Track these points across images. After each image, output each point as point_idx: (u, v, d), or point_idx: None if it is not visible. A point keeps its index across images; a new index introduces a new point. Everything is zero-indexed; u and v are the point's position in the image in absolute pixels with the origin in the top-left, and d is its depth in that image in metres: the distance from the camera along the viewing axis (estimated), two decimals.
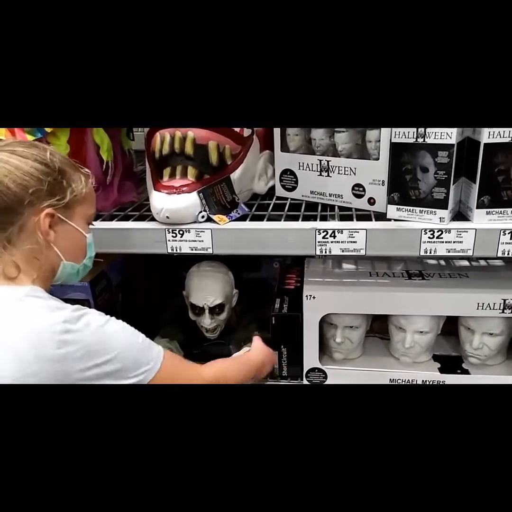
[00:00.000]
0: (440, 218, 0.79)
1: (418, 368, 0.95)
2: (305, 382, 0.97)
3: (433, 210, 0.79)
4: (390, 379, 0.94)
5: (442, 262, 0.99)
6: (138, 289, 1.15)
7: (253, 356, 0.79)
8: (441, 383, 0.92)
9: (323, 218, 0.87)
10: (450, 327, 0.95)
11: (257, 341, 0.83)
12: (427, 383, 0.92)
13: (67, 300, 0.61)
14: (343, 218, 0.88)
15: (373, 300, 0.89)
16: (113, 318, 0.62)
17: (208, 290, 0.99)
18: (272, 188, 1.01)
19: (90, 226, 0.70)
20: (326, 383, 0.96)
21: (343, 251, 0.82)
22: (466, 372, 0.93)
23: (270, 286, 1.26)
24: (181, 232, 0.86)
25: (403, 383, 0.93)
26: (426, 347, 0.94)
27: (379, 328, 1.03)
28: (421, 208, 0.80)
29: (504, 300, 0.85)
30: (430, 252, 0.79)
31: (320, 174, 0.93)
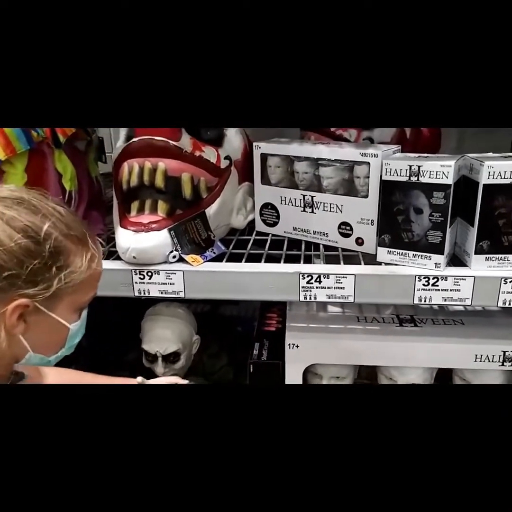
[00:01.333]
0: (436, 263, 0.71)
1: None
2: None
3: (428, 254, 0.72)
4: None
5: (435, 306, 0.92)
6: (100, 334, 1.05)
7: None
8: None
9: (307, 259, 0.80)
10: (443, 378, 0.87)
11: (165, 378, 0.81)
12: None
13: None
14: (329, 259, 0.80)
15: (362, 350, 0.81)
16: None
17: (160, 337, 0.89)
18: (252, 221, 0.93)
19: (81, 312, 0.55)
20: None
21: (329, 297, 0.74)
22: None
23: (249, 323, 1.18)
24: (149, 273, 0.77)
25: None
26: None
27: (367, 374, 0.95)
28: (415, 253, 0.73)
29: (504, 352, 0.78)
30: (425, 301, 0.72)
31: (304, 210, 0.85)
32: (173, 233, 0.76)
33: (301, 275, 0.73)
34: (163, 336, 0.89)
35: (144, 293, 0.78)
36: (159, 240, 0.75)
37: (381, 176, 0.73)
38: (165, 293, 0.77)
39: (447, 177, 0.67)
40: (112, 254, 0.81)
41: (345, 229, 0.81)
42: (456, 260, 0.76)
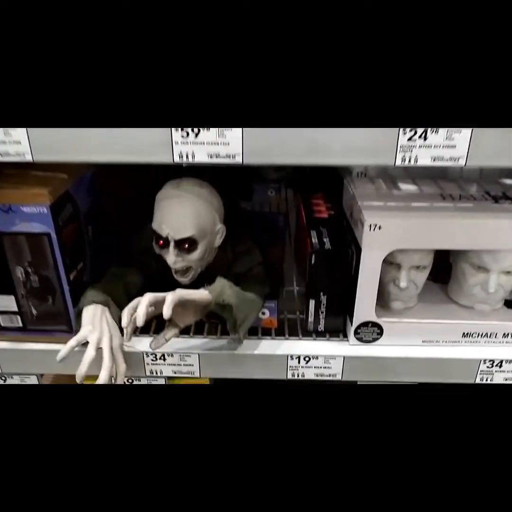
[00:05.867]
0: None
1: (494, 318, 0.74)
2: (351, 340, 0.74)
3: None
4: (464, 333, 0.73)
5: None
6: (115, 217, 0.85)
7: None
8: None
9: None
10: None
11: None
12: (509, 335, 0.72)
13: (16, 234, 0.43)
14: None
15: (456, 231, 0.65)
16: None
17: (174, 216, 0.69)
18: None
19: None
20: (379, 341, 0.73)
21: None
22: None
23: (266, 221, 1.00)
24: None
25: (479, 337, 0.73)
26: (510, 291, 0.73)
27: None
28: None
29: None
30: None
31: None
32: None
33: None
34: (177, 215, 0.69)
35: (188, 157, 0.58)
36: None
37: None
38: (215, 157, 0.58)
39: None
40: None
41: None
42: None
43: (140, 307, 0.62)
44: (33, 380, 0.79)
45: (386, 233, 0.65)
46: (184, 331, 0.76)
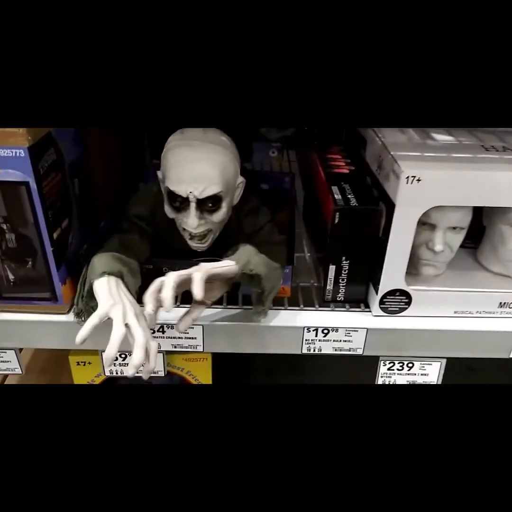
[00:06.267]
0: None
1: None
2: (375, 310, 0.66)
3: None
4: (500, 303, 0.65)
5: None
6: (102, 168, 0.74)
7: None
8: None
9: None
10: None
11: None
12: None
13: None
14: None
15: (508, 185, 0.57)
16: None
17: (198, 170, 0.58)
18: None
19: None
20: (405, 312, 0.65)
21: None
22: None
23: (272, 182, 0.91)
24: None
25: None
26: None
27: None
28: None
29: None
30: None
31: None
32: None
33: None
34: (202, 168, 0.58)
35: None
36: None
37: None
38: None
39: None
40: None
41: None
42: None
43: (166, 290, 0.51)
44: (10, 356, 0.69)
45: (426, 186, 0.56)
46: (186, 301, 0.67)
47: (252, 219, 0.70)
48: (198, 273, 0.52)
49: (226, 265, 0.56)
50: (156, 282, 0.53)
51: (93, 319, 0.52)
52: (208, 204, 0.59)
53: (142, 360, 0.50)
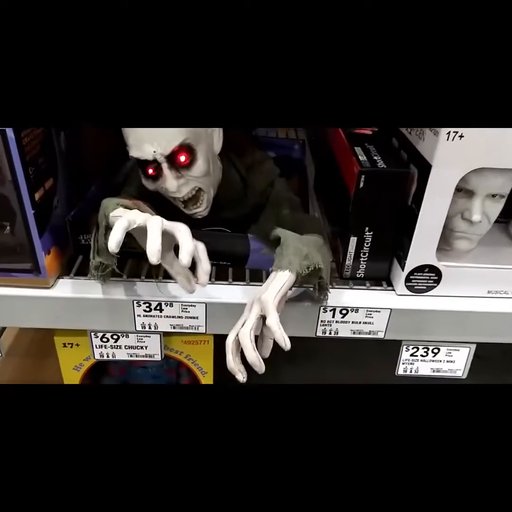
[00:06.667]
0: None
1: None
2: (399, 289, 0.58)
3: None
4: None
5: None
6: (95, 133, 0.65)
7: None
8: None
9: None
10: None
11: None
12: None
13: None
14: None
15: None
16: None
17: (153, 130, 0.50)
18: None
19: None
20: (433, 291, 0.58)
21: None
22: None
23: (279, 150, 0.83)
24: None
25: None
26: None
27: None
28: None
29: None
30: None
31: None
32: None
33: None
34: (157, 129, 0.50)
35: None
36: None
37: None
38: None
39: None
40: None
41: None
42: None
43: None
44: None
45: (470, 144, 0.48)
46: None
47: (259, 171, 0.63)
48: (273, 317, 0.47)
49: (284, 282, 0.50)
50: (190, 245, 0.47)
51: (123, 222, 0.46)
52: (180, 159, 0.52)
53: (189, 260, 0.46)
